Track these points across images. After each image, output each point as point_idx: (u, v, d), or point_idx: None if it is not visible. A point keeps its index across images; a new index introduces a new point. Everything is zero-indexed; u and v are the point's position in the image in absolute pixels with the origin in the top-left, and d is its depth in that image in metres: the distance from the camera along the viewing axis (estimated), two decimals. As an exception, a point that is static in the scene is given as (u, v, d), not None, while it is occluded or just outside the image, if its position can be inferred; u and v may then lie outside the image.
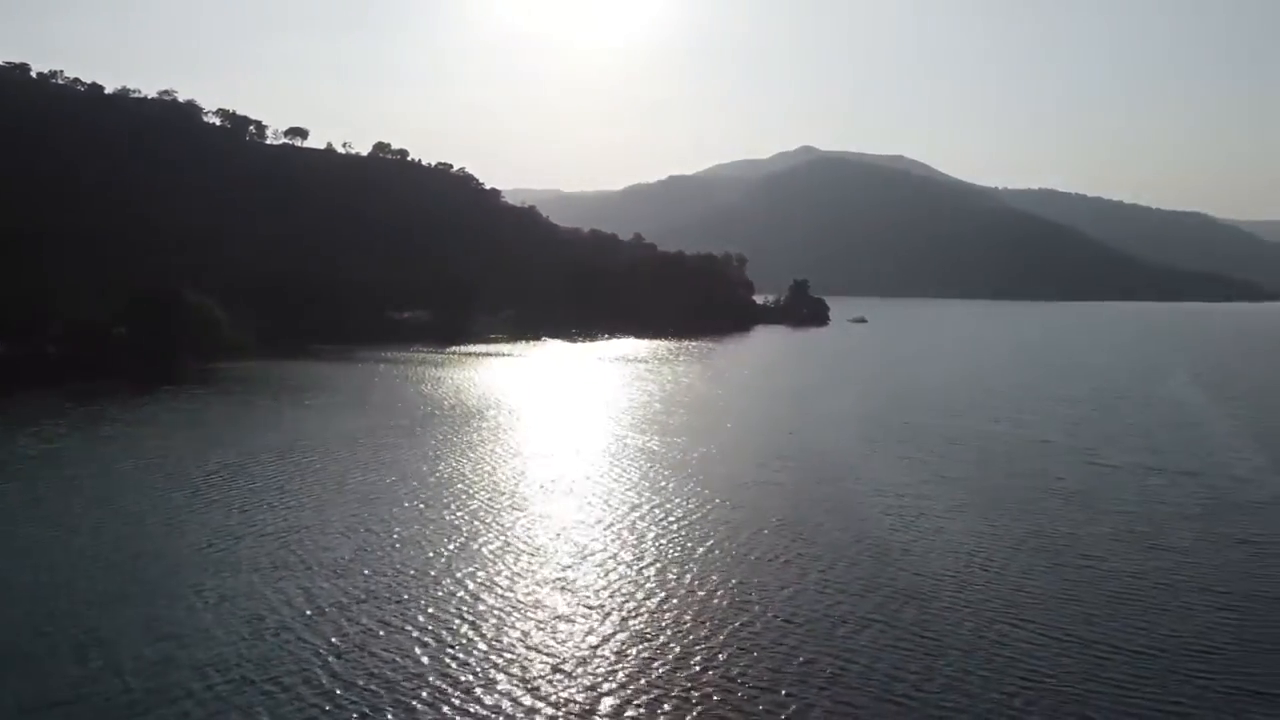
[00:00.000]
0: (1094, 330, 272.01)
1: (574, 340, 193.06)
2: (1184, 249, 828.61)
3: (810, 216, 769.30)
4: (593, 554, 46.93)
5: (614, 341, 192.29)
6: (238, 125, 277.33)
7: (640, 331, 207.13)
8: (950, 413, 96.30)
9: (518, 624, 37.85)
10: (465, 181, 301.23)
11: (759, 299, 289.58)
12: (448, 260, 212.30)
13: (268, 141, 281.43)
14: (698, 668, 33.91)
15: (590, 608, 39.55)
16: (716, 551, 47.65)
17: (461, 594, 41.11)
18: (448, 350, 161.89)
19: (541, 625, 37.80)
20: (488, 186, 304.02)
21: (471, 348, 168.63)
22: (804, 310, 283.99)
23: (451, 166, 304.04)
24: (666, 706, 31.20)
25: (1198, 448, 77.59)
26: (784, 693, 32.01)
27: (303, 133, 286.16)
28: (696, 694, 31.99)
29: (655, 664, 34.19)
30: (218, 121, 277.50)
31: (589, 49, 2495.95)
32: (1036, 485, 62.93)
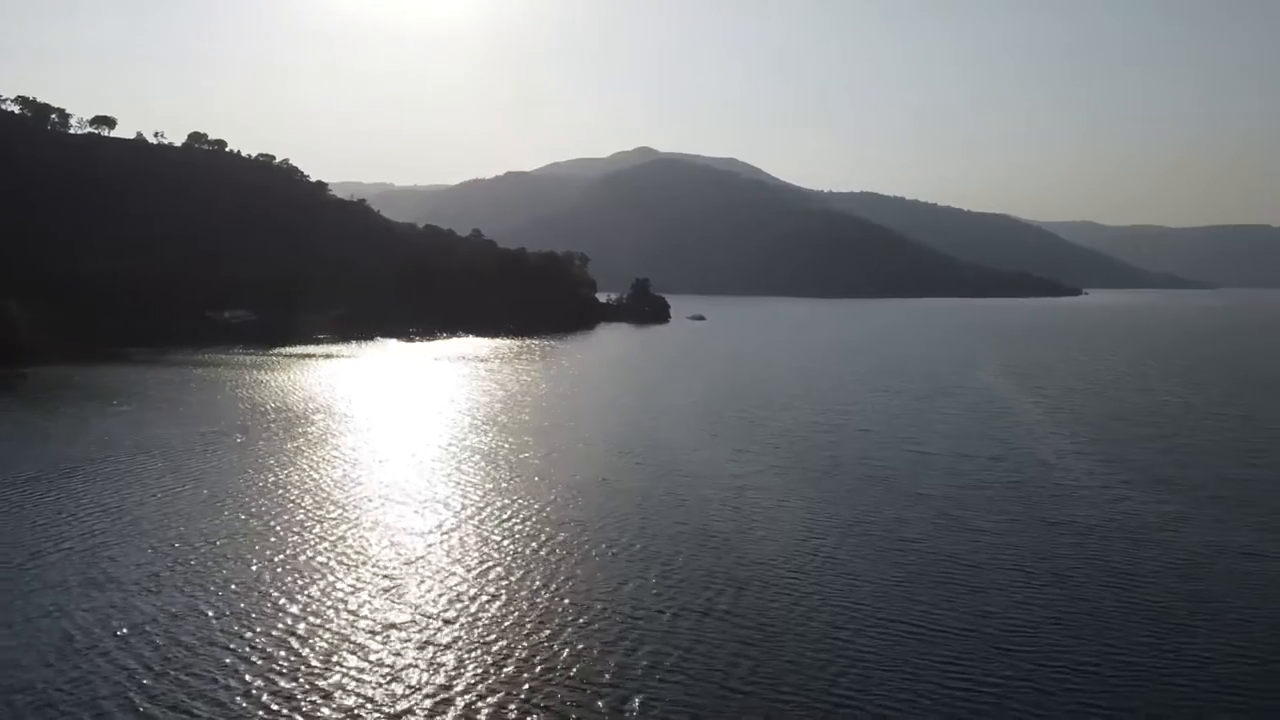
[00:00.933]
0: (913, 325, 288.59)
1: (410, 339, 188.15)
2: (992, 249, 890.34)
3: (650, 216, 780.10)
4: (427, 560, 45.77)
5: (453, 340, 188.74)
6: (38, 114, 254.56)
7: (481, 330, 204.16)
8: (781, 406, 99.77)
9: (350, 636, 36.43)
10: (289, 174, 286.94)
11: (602, 297, 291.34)
12: (271, 257, 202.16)
13: (71, 131, 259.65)
14: (539, 669, 33.58)
15: (426, 615, 38.52)
16: (557, 551, 47.44)
17: (289, 607, 39.19)
18: (272, 352, 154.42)
19: (374, 635, 36.53)
20: (313, 179, 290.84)
21: (298, 349, 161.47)
22: (646, 308, 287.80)
23: (274, 158, 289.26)
24: (512, 710, 30.77)
25: (1006, 434, 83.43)
26: (626, 688, 32.15)
27: (110, 121, 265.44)
28: (539, 696, 31.68)
29: (495, 669, 33.64)
30: (16, 110, 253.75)
31: (422, 38, 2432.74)
32: (860, 474, 66.01)
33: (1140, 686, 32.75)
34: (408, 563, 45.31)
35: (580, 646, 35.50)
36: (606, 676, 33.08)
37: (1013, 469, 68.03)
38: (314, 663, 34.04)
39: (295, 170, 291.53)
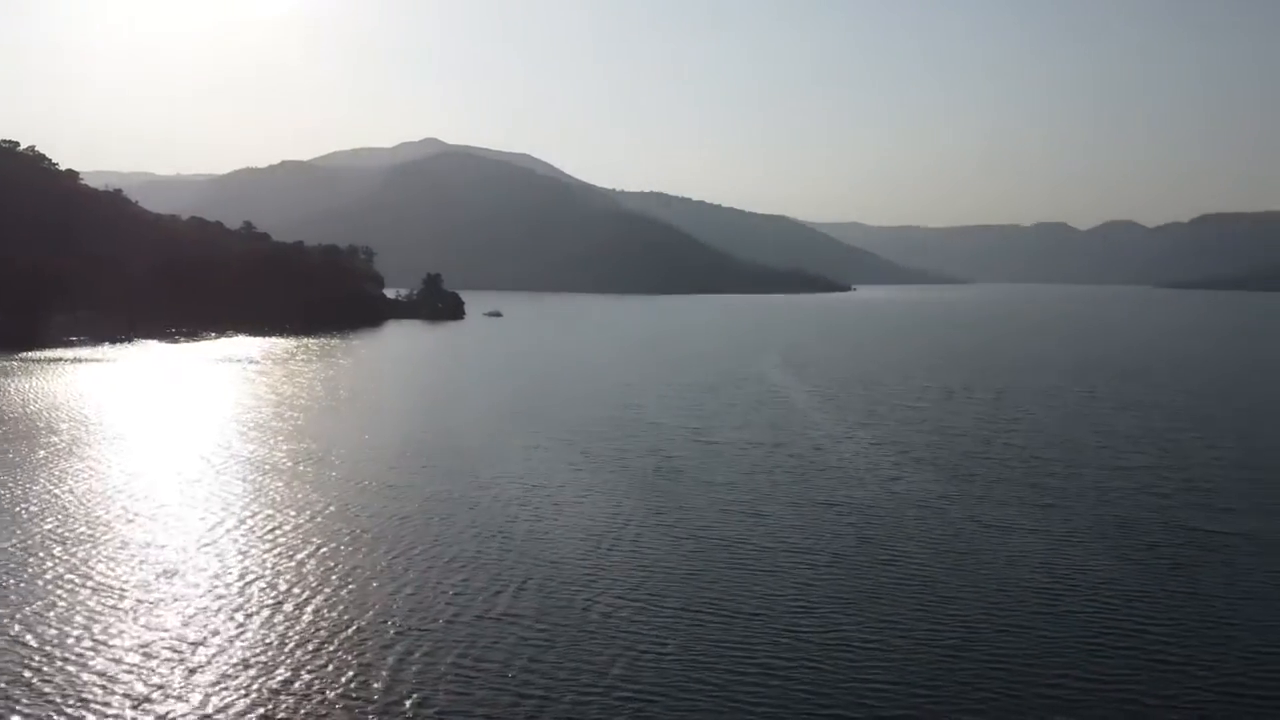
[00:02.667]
0: (702, 320, 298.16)
1: (175, 341, 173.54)
2: (772, 248, 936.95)
3: (441, 210, 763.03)
4: (182, 578, 41.58)
5: (222, 341, 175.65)
6: None
7: (255, 329, 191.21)
8: (575, 401, 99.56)
9: (93, 664, 32.35)
10: (34, 161, 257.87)
11: (390, 293, 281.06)
12: (12, 253, 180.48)
13: None
14: (305, 687, 31.03)
15: (183, 640, 34.79)
16: (330, 561, 44.44)
17: (25, 637, 34.27)
18: (15, 357, 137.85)
19: (121, 662, 32.64)
20: (62, 167, 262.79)
21: (44, 353, 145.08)
22: (439, 305, 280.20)
23: (18, 144, 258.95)
24: (276, 740, 28.15)
25: (786, 421, 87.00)
26: (398, 698, 30.28)
27: None
28: (301, 715, 29.25)
29: (255, 691, 30.77)
30: None
31: (181, 12, 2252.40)
32: (651, 465, 66.59)
33: (913, 654, 34.37)
34: (159, 582, 40.92)
35: (349, 659, 33.20)
36: (377, 688, 31.03)
37: (794, 454, 70.81)
38: (55, 698, 29.86)
39: (42, 157, 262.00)
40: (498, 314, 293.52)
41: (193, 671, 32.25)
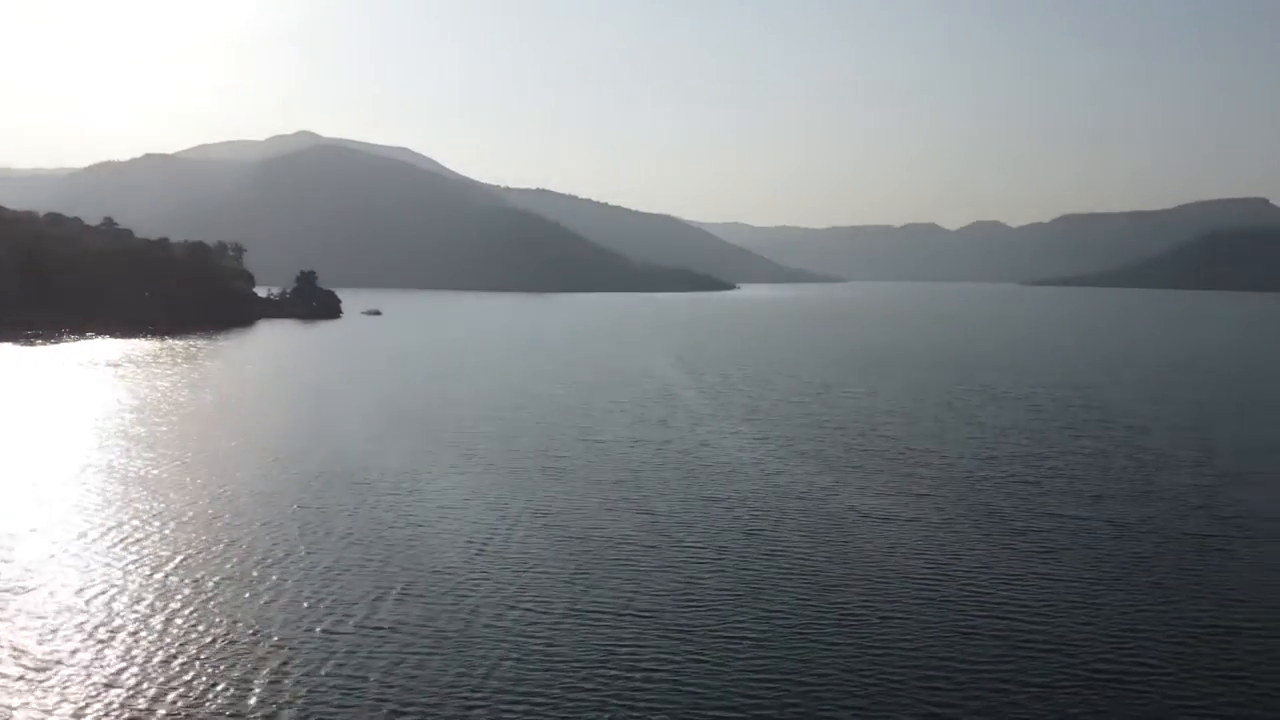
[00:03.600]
0: (590, 318, 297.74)
1: (31, 343, 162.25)
2: (659, 247, 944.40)
3: (316, 205, 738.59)
4: (39, 595, 38.55)
5: (83, 343, 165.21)
6: None
7: (118, 330, 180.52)
8: (459, 402, 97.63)
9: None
10: None
11: (261, 292, 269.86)
12: None
13: None
14: (175, 706, 29.12)
15: (40, 661, 32.16)
16: (199, 574, 42.01)
17: None
18: None
19: (-40, 701, 29.88)
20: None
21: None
22: (314, 303, 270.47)
23: None
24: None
25: (675, 418, 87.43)
26: (286, 716, 28.78)
27: None
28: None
29: (124, 710, 28.72)
30: None
31: None
32: (539, 466, 65.76)
33: (798, 644, 34.77)
34: (11, 599, 37.75)
35: (220, 676, 31.42)
36: (251, 704, 29.44)
37: (682, 451, 71.14)
38: None
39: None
40: (377, 312, 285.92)
41: (50, 693, 29.86)
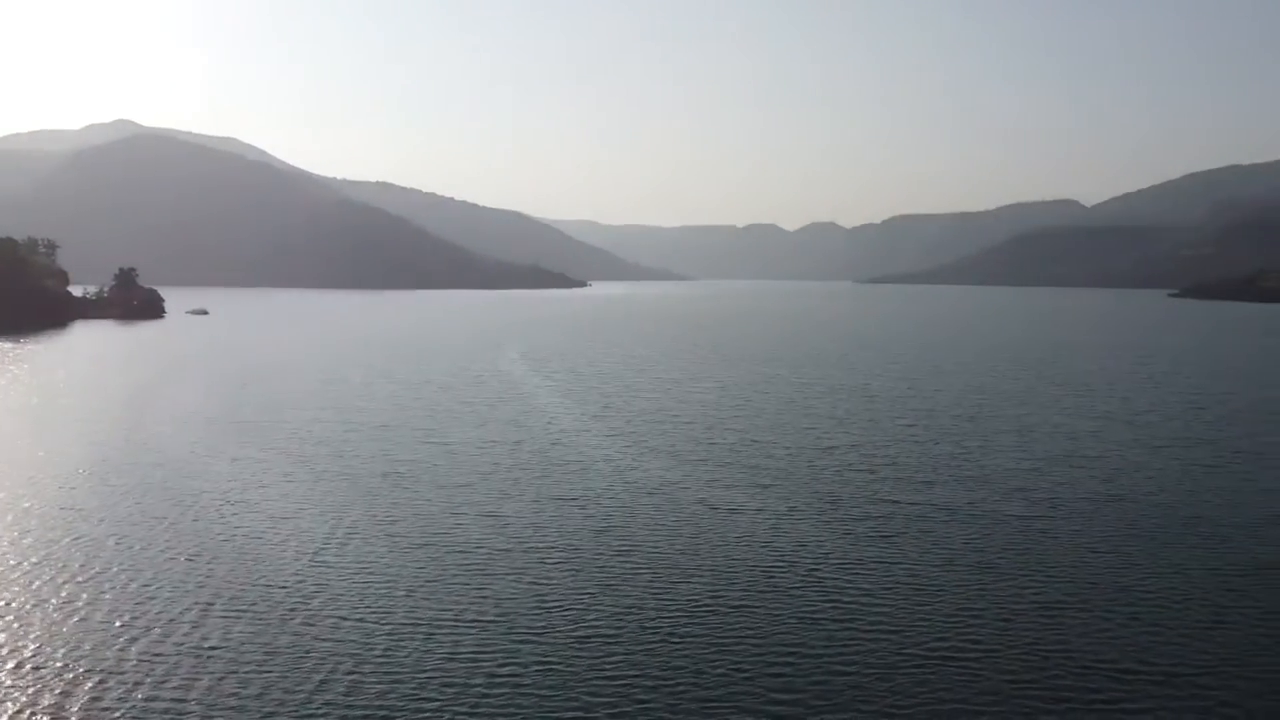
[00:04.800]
0: (436, 316, 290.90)
1: None
2: (508, 243, 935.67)
3: (136, 199, 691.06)
4: None
5: None
6: None
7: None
8: (293, 405, 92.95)
9: None
10: None
11: (77, 291, 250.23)
12: None
13: None
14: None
15: None
16: (1, 597, 37.93)
17: None
18: None
19: None
20: None
21: None
22: (134, 302, 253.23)
23: None
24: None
25: (525, 418, 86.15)
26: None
27: None
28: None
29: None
30: None
31: None
32: (380, 470, 63.25)
33: (649, 639, 34.46)
34: None
35: (30, 706, 28.27)
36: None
37: (532, 451, 70.06)
38: None
39: None
40: (203, 312, 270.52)
41: None
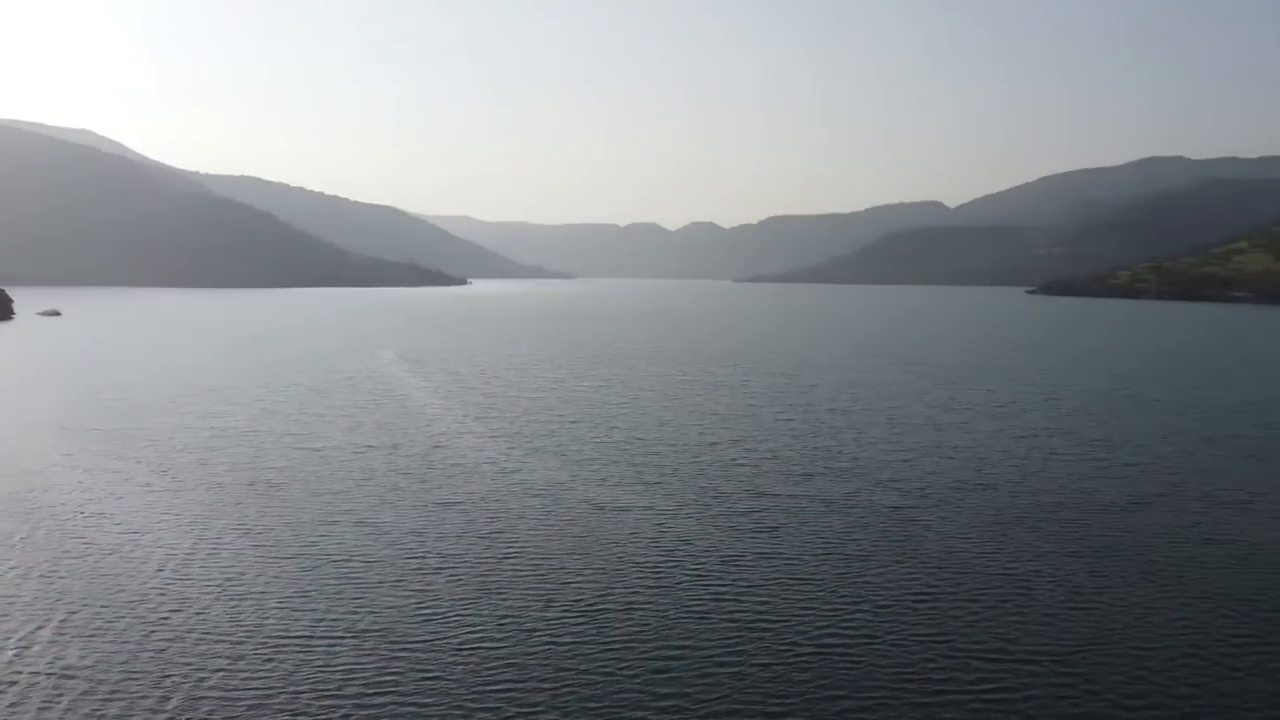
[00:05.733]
0: (304, 316, 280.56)
1: None
2: (383, 240, 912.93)
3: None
4: None
5: None
6: None
7: None
8: (150, 411, 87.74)
9: None
10: None
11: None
12: None
13: None
14: None
15: None
16: None
17: None
18: None
19: None
20: None
21: None
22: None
23: None
24: None
25: (404, 420, 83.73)
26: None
27: None
28: None
29: None
30: None
31: None
32: (247, 480, 60.32)
33: (535, 645, 33.80)
34: None
35: None
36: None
37: (412, 455, 68.13)
38: None
39: None
40: (55, 313, 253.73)
41: None
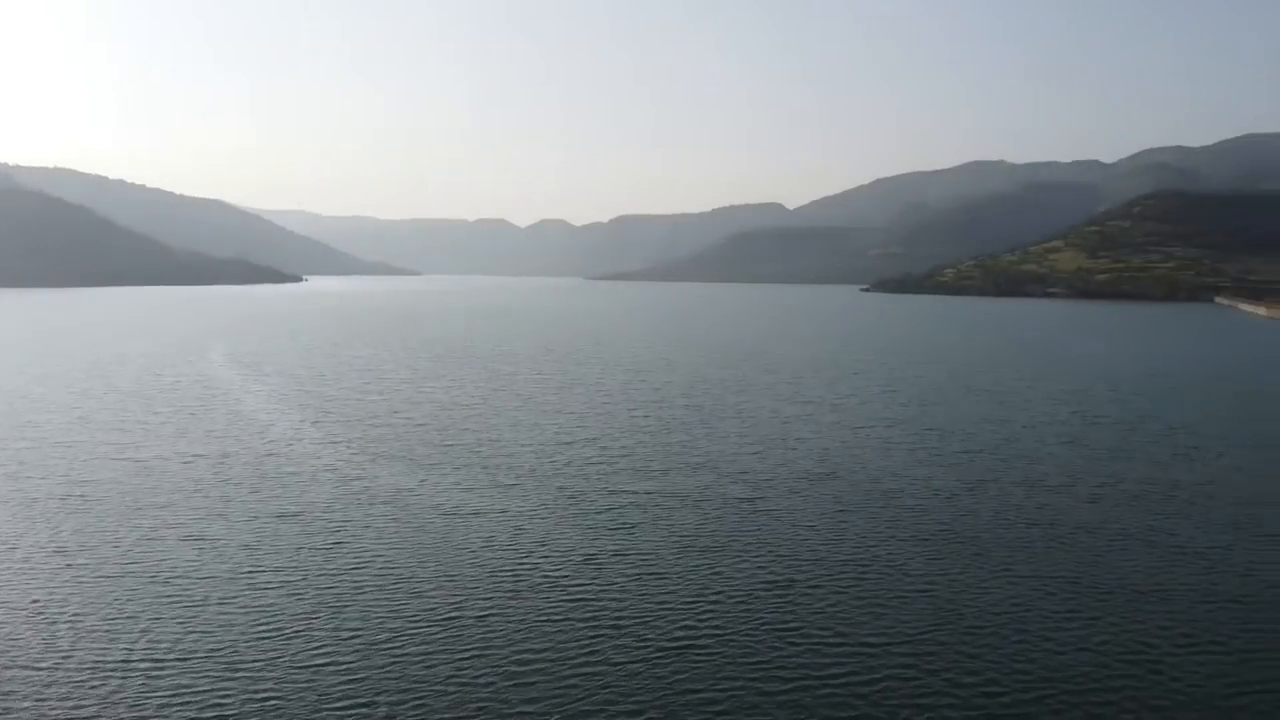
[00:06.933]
0: (123, 317, 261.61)
1: None
2: (210, 235, 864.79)
3: None
4: None
5: None
6: None
7: None
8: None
9: None
10: None
11: None
12: None
13: None
14: None
15: None
16: None
17: None
18: None
19: None
20: None
21: None
22: None
23: None
24: None
25: (235, 427, 78.96)
26: None
27: None
28: None
29: None
30: None
31: None
32: (60, 493, 55.33)
33: (380, 659, 32.24)
34: None
35: None
36: None
37: (245, 464, 64.28)
38: None
39: None
40: None
41: None
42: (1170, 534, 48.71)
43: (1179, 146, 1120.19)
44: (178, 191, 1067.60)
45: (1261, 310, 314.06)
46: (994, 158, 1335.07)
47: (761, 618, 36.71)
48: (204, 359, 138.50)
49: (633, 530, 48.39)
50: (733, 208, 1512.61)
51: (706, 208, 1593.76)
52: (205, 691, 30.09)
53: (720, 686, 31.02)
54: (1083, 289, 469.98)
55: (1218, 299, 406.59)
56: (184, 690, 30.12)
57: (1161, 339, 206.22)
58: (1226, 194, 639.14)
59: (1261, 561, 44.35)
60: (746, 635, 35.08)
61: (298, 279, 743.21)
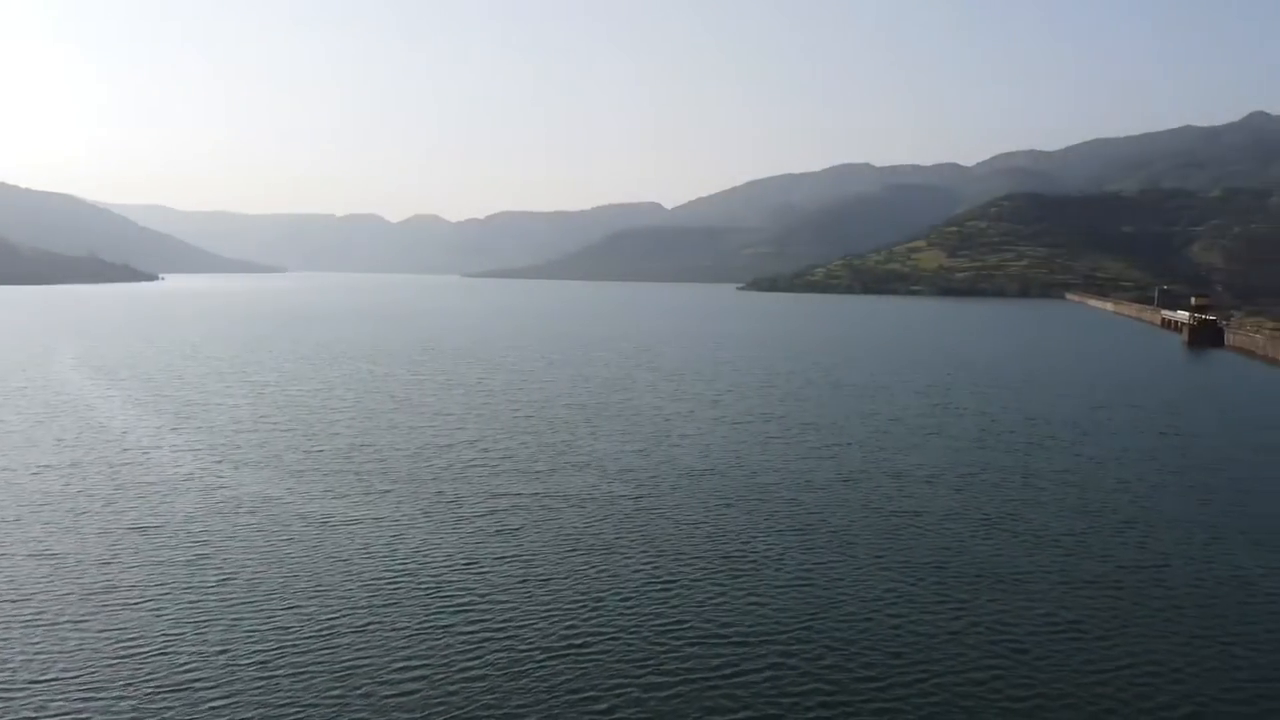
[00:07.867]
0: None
1: None
2: (57, 231, 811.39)
3: None
4: None
5: None
6: None
7: None
8: None
9: None
10: None
11: None
12: None
13: None
14: None
15: None
16: None
17: None
18: None
19: None
20: None
21: None
22: None
23: None
24: None
25: (86, 435, 74.20)
26: None
27: None
28: None
29: None
30: None
31: None
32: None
33: (257, 673, 30.80)
34: None
35: None
36: None
37: (100, 473, 60.41)
38: None
39: None
40: None
41: None
42: (1029, 521, 51.44)
43: (1033, 150, 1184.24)
44: (22, 185, 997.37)
45: (1109, 306, 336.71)
46: (859, 160, 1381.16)
47: (645, 615, 36.84)
48: (52, 363, 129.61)
49: (516, 533, 47.82)
50: (613, 206, 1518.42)
51: (587, 205, 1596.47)
52: (56, 714, 28.06)
53: (604, 685, 30.94)
54: (944, 287, 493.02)
55: (1069, 295, 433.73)
56: (38, 718, 28.04)
57: (1017, 334, 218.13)
58: (1077, 196, 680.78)
59: (1116, 544, 47.32)
60: (631, 633, 35.14)
61: (154, 277, 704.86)
